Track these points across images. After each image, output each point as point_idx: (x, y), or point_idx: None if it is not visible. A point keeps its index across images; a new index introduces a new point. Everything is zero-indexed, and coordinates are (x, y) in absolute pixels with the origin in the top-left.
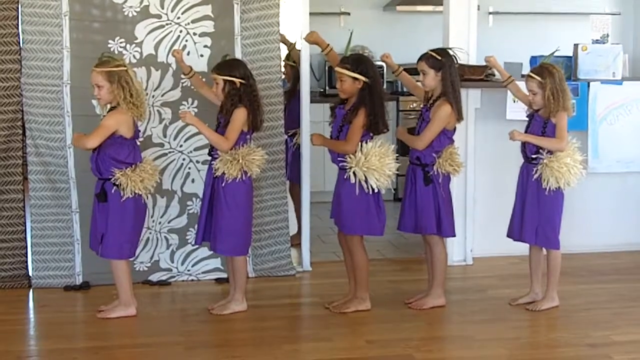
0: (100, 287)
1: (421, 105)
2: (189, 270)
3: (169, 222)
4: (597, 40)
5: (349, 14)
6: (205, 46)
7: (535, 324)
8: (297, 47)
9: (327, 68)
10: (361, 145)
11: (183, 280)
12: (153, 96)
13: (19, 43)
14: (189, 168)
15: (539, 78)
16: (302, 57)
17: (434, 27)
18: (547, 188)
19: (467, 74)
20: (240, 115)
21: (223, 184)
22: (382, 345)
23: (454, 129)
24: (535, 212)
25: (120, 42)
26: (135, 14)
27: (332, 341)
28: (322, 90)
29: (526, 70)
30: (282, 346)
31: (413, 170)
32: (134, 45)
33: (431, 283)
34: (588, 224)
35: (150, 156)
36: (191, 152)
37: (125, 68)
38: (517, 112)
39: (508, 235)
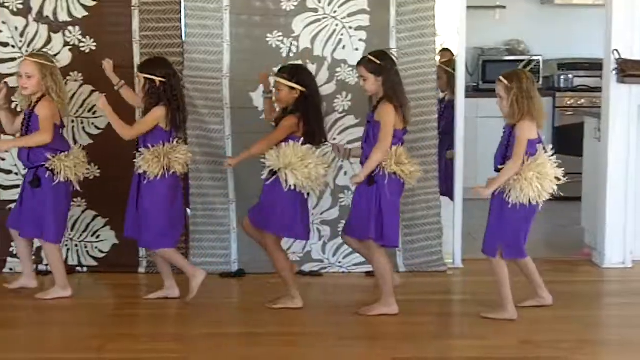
0: (255, 275)
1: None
2: (340, 262)
3: (321, 214)
4: None
5: (504, 7)
6: (361, 40)
7: None
8: (450, 47)
9: (480, 62)
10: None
11: (334, 272)
12: None
13: (182, 37)
14: (341, 161)
15: (505, 82)
16: (458, 50)
17: (593, 22)
18: (510, 202)
19: (631, 70)
20: (155, 114)
21: (145, 182)
22: (536, 345)
23: (403, 130)
24: (496, 225)
25: (278, 36)
26: (293, 8)
27: (485, 339)
28: (475, 84)
29: None
30: (433, 341)
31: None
32: (291, 39)
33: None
34: None
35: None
36: (344, 145)
37: (56, 65)
38: None
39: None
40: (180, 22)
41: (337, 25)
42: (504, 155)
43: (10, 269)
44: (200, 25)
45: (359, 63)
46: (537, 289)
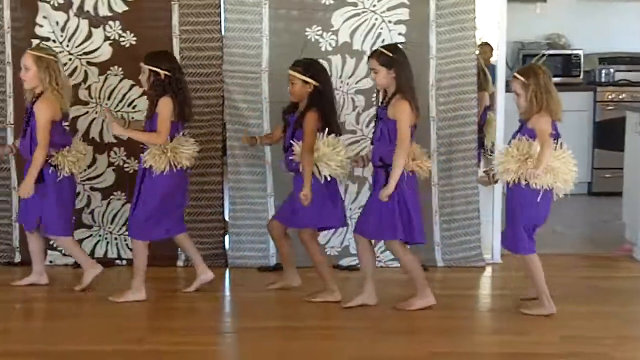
0: None
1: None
2: (377, 257)
3: (359, 209)
4: None
5: (545, 0)
6: (400, 34)
7: None
8: (488, 40)
9: (521, 57)
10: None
11: None
12: (347, 84)
13: (221, 31)
14: (363, 172)
15: (522, 78)
16: (498, 44)
17: (635, 16)
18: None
19: None
20: (165, 105)
21: (153, 175)
22: (577, 342)
23: (415, 126)
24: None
25: (317, 30)
26: (332, 2)
27: (524, 335)
28: None
29: None
30: (471, 336)
31: (376, 173)
32: (330, 33)
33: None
34: None
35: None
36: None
37: (55, 59)
38: None
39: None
40: (220, 17)
41: (376, 19)
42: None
43: (50, 262)
44: (239, 20)
45: (371, 55)
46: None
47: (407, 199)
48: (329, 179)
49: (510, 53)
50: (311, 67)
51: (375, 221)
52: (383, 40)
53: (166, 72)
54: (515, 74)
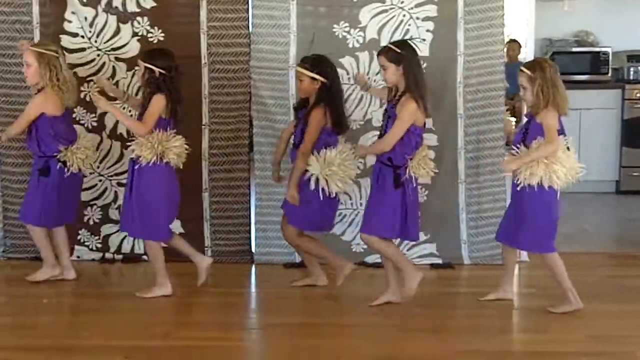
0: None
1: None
2: (404, 254)
3: None
4: None
5: None
6: (428, 30)
7: None
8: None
9: (549, 54)
10: (321, 151)
11: None
12: (374, 80)
13: (249, 27)
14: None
15: (528, 72)
16: (527, 42)
17: None
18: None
19: None
20: (158, 102)
21: (137, 167)
22: (603, 340)
23: (424, 126)
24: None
25: (345, 27)
26: None
27: (550, 333)
28: None
29: None
30: (498, 335)
31: (380, 170)
32: (357, 29)
33: (401, 276)
34: None
35: (371, 139)
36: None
37: (56, 55)
38: None
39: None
40: (248, 13)
41: (404, 15)
42: (519, 141)
43: (78, 257)
44: (267, 16)
45: (380, 52)
46: (506, 283)
47: (408, 200)
48: (333, 195)
49: (539, 50)
50: (319, 63)
51: (375, 219)
52: (411, 37)
53: (161, 70)
54: (522, 68)
